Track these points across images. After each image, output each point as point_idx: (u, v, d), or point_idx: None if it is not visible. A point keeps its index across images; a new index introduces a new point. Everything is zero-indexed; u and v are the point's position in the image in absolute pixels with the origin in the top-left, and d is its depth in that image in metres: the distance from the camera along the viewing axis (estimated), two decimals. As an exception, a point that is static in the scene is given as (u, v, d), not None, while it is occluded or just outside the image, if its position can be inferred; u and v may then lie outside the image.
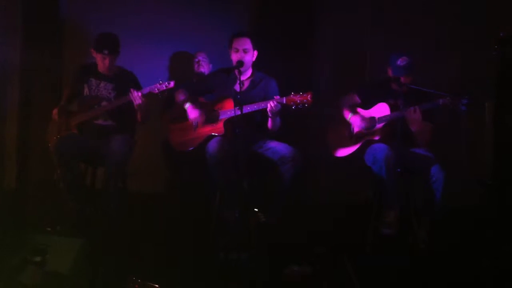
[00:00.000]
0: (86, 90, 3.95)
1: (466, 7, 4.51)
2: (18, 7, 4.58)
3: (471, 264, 3.24)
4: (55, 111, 3.94)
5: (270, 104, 3.54)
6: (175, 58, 4.81)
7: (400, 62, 3.69)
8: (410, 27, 4.58)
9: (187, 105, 3.84)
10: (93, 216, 3.72)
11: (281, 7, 4.64)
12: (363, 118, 3.82)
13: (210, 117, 3.81)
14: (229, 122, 3.75)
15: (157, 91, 3.73)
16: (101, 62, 3.89)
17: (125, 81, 3.92)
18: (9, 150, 4.60)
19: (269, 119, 3.69)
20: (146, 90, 3.76)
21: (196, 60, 4.53)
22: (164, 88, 3.72)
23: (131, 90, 3.73)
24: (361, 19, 4.71)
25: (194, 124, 3.87)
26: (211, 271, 3.18)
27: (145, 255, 3.34)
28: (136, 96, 3.71)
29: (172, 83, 3.72)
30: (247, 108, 3.61)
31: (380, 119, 3.74)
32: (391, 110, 3.72)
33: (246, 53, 3.76)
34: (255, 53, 3.83)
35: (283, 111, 3.60)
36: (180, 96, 3.90)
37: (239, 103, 3.42)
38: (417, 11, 4.60)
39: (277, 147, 3.69)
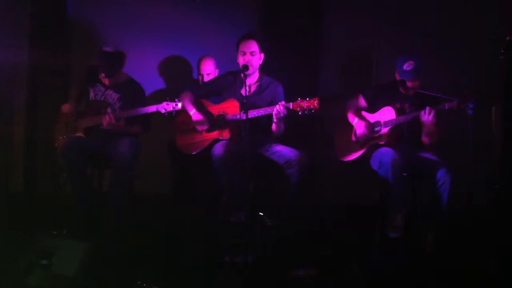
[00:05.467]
0: (92, 94, 3.96)
1: (474, 10, 4.49)
2: (27, 8, 4.60)
3: (478, 267, 3.23)
4: (64, 106, 3.95)
5: (277, 110, 3.54)
6: (180, 61, 4.81)
7: (406, 66, 3.64)
8: (417, 29, 4.57)
9: (192, 112, 3.83)
10: (100, 218, 3.74)
11: (287, 11, 4.64)
12: (367, 125, 3.79)
13: (213, 127, 3.80)
14: (235, 126, 3.75)
15: (163, 111, 3.70)
16: (103, 78, 3.91)
17: (131, 92, 3.93)
18: (16, 152, 4.62)
19: (274, 123, 3.68)
20: (152, 108, 3.73)
21: (201, 76, 4.46)
22: (171, 109, 3.69)
23: (104, 113, 3.73)
24: (369, 21, 4.70)
25: (200, 128, 3.87)
26: (217, 273, 3.18)
27: (151, 257, 3.35)
28: (108, 122, 3.71)
29: (180, 104, 3.70)
30: (253, 113, 3.62)
31: (386, 123, 3.72)
32: (397, 114, 3.68)
33: (253, 56, 3.77)
34: (262, 56, 3.83)
35: (289, 117, 3.59)
36: (187, 105, 3.87)
37: (245, 108, 3.42)
38: (424, 13, 4.58)
39: (283, 151, 3.70)
